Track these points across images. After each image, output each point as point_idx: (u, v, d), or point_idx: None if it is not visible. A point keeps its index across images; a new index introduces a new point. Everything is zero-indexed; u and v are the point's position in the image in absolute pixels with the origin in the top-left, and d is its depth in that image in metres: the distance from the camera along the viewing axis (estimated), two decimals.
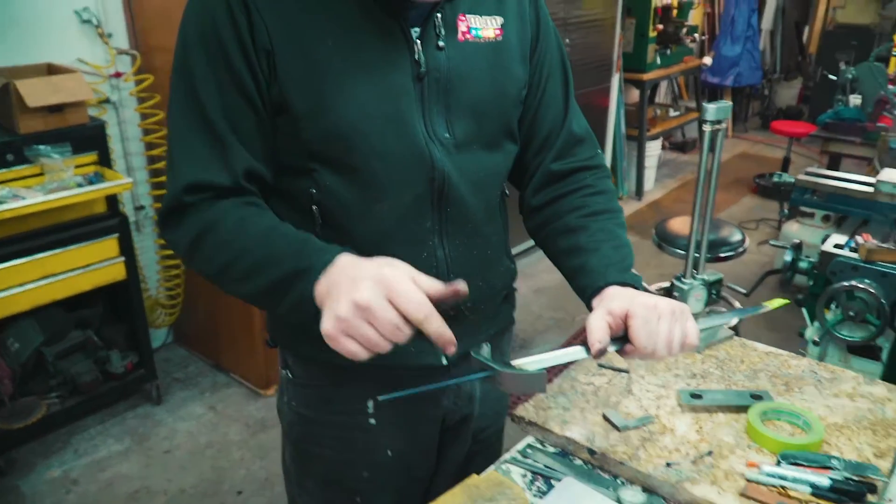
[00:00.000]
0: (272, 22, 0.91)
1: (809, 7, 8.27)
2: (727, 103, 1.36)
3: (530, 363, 0.85)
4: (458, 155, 1.03)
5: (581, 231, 1.11)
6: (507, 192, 1.21)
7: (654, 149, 5.45)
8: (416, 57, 0.98)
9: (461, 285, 0.83)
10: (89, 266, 2.46)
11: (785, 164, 5.27)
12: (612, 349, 0.96)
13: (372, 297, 0.80)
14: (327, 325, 0.82)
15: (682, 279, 1.47)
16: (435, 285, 0.83)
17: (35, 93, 2.20)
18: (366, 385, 1.11)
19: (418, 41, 0.98)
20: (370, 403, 1.15)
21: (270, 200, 1.03)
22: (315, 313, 0.85)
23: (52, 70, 2.46)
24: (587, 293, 1.06)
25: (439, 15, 0.99)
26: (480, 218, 1.11)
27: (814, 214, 3.72)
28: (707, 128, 1.35)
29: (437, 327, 0.82)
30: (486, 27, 1.04)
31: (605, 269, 1.06)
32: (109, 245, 2.51)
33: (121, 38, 2.75)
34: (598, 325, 0.95)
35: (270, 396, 2.93)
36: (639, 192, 5.37)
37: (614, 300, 0.99)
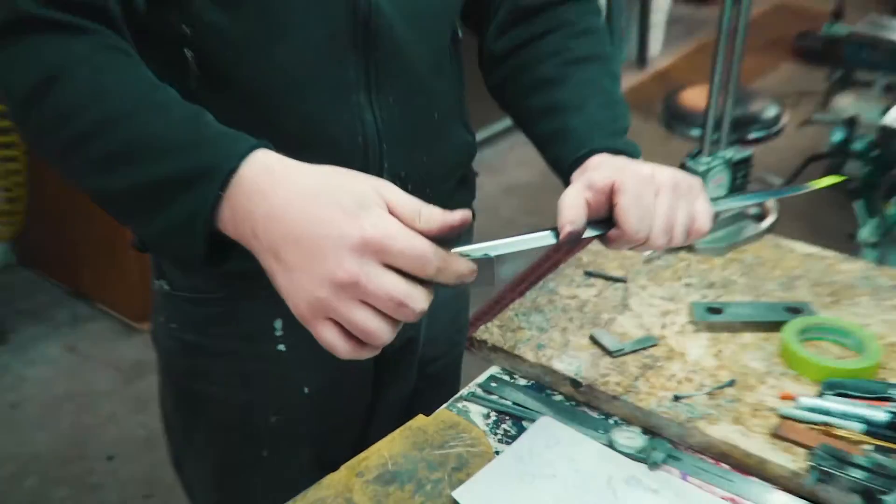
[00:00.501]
0: None
1: None
2: None
3: (476, 250, 0.81)
4: None
5: (559, 84, 1.09)
6: (460, 33, 1.17)
7: (662, 1, 5.47)
8: None
9: (465, 213, 0.75)
10: None
11: (837, 16, 5.30)
12: (590, 234, 0.90)
13: (360, 269, 0.71)
14: (300, 310, 0.75)
15: (698, 158, 1.45)
16: (432, 215, 0.75)
17: None
18: (275, 297, 1.05)
19: None
20: (279, 322, 1.13)
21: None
22: (213, 249, 0.78)
23: None
24: (566, 163, 1.03)
25: None
26: (424, 67, 1.07)
27: (873, 83, 3.74)
28: None
29: (459, 268, 0.76)
30: None
31: (590, 132, 1.04)
32: None
33: None
34: (573, 202, 0.88)
35: (148, 331, 2.92)
36: (642, 58, 5.44)
37: (598, 170, 0.94)
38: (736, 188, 1.51)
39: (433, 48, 1.09)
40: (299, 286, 0.74)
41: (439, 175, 1.15)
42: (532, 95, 1.12)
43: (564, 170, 1.04)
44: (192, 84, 0.95)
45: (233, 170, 0.75)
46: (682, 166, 1.47)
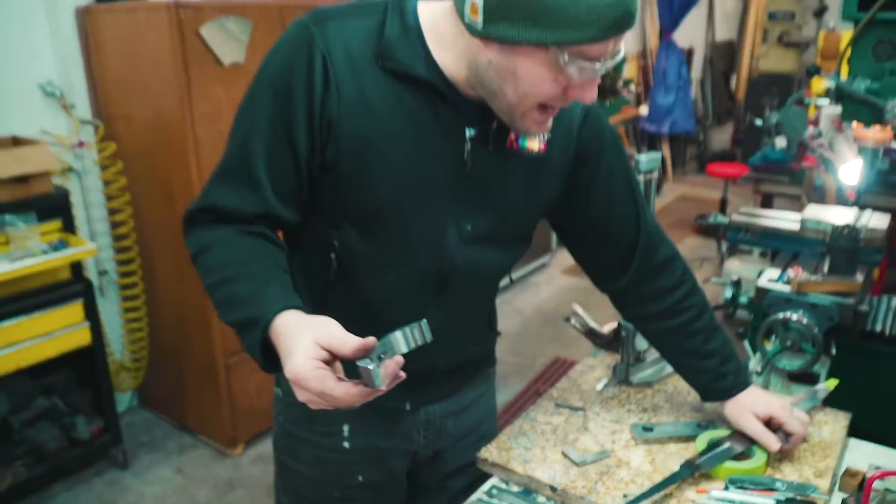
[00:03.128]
0: (347, 97, 0.96)
1: (734, 57, 8.67)
2: (657, 154, 1.44)
3: (365, 361, 0.85)
4: (473, 247, 1.08)
5: (697, 336, 1.26)
6: (512, 278, 1.34)
7: None
8: (465, 156, 1.02)
9: (367, 340, 0.85)
10: (54, 332, 2.43)
11: (723, 205, 5.45)
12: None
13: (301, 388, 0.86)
14: (288, 374, 0.86)
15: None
16: (348, 343, 0.85)
17: (1, 165, 2.19)
18: (345, 410, 1.14)
19: (469, 141, 1.02)
20: (346, 427, 1.20)
21: (298, 236, 1.10)
22: (267, 361, 0.92)
23: (16, 142, 2.46)
24: (727, 394, 1.25)
25: (496, 122, 1.01)
26: (474, 304, 1.20)
27: (752, 251, 3.86)
28: (642, 177, 1.42)
29: (365, 400, 0.86)
30: (532, 139, 1.06)
31: (737, 375, 1.25)
32: (74, 311, 2.48)
33: (83, 109, 2.76)
34: (763, 431, 1.20)
35: (237, 456, 2.90)
36: None
37: (755, 406, 1.22)
38: None
39: (486, 290, 1.21)
40: (286, 368, 0.87)
41: (468, 362, 1.27)
42: (674, 339, 1.28)
43: (720, 396, 1.26)
44: (332, 277, 1.08)
45: (269, 321, 0.90)
46: (619, 325, 1.53)
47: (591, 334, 1.64)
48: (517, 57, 0.89)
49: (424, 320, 0.84)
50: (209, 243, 1.00)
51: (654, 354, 1.55)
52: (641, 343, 1.50)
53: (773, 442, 1.18)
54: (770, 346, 2.02)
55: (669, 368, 1.54)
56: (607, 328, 1.63)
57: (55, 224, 2.44)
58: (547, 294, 4.42)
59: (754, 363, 2.11)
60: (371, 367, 0.82)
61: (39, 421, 2.54)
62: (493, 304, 1.30)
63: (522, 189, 1.09)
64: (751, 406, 1.22)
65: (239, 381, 2.81)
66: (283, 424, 1.26)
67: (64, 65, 2.68)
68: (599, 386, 1.48)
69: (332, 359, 0.85)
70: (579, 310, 1.63)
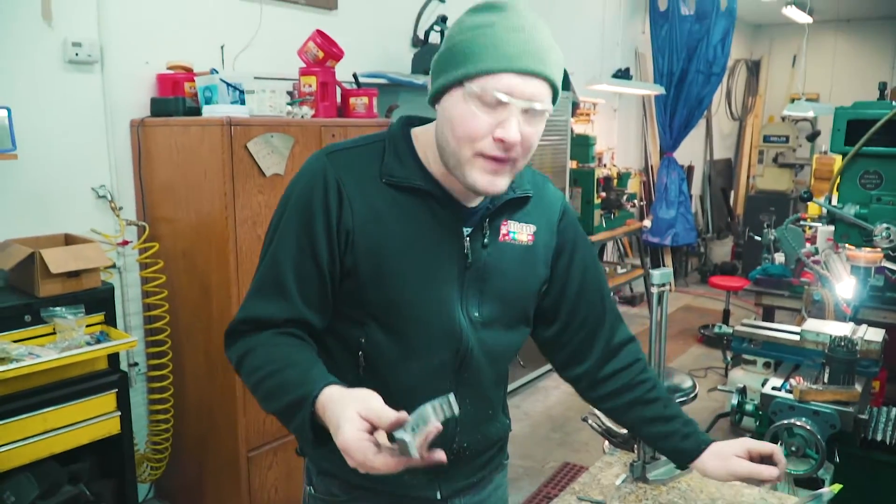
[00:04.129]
0: (359, 210, 1.14)
1: (732, 175, 9.04)
2: (669, 270, 1.59)
3: (401, 433, 0.93)
4: (483, 331, 1.23)
5: (657, 403, 1.38)
6: (521, 362, 1.43)
7: None
8: (465, 251, 1.19)
9: (400, 415, 0.95)
10: (88, 421, 2.52)
11: (725, 316, 5.59)
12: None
13: (349, 431, 0.95)
14: (338, 444, 0.96)
15: None
16: (384, 417, 0.95)
17: (58, 260, 2.37)
18: (376, 502, 1.26)
19: (468, 238, 1.20)
20: None
21: (326, 338, 1.22)
22: (315, 436, 1.02)
23: (68, 240, 2.65)
24: (692, 454, 1.35)
25: (488, 220, 1.21)
26: (490, 384, 1.30)
27: (756, 361, 3.97)
28: (654, 290, 1.58)
29: (407, 465, 0.93)
30: (521, 232, 1.26)
31: (700, 433, 1.37)
32: (108, 400, 2.59)
33: (130, 211, 2.97)
34: (757, 467, 1.30)
35: None
36: None
37: (732, 449, 1.33)
38: None
39: (498, 373, 1.33)
40: (335, 438, 0.96)
41: (486, 445, 1.35)
42: (640, 409, 1.38)
43: (690, 457, 1.35)
44: (362, 374, 1.20)
45: (315, 397, 1.01)
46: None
47: (608, 434, 1.75)
48: (447, 102, 1.09)
49: (451, 394, 0.93)
50: (250, 348, 1.14)
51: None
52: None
53: (772, 472, 1.27)
54: None
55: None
56: (623, 428, 1.75)
57: (99, 317, 2.59)
58: (555, 398, 4.50)
59: None
60: (407, 438, 0.91)
61: None
62: (505, 390, 1.41)
63: (518, 276, 1.25)
64: (729, 452, 1.32)
65: (258, 475, 2.88)
66: (316, 496, 1.33)
67: (116, 170, 2.91)
68: (618, 481, 1.58)
69: (374, 429, 0.94)
70: (597, 411, 1.74)
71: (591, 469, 1.64)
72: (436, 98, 1.12)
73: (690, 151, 7.97)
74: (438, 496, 1.28)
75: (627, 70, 6.00)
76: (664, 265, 7.39)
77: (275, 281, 1.15)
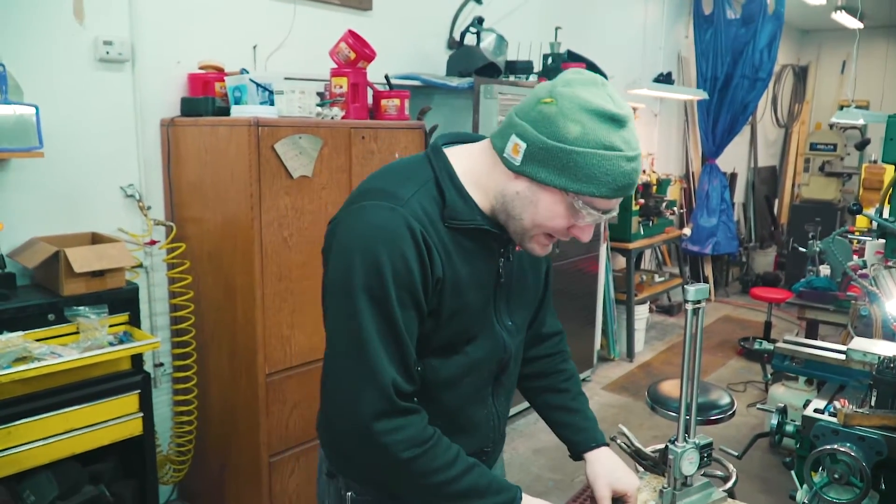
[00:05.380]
0: (441, 256, 1.18)
1: (777, 183, 8.80)
2: (705, 286, 1.49)
3: None
4: (516, 337, 1.35)
5: (566, 394, 1.52)
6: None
7: (642, 312, 5.62)
8: (500, 270, 1.28)
9: None
10: (110, 421, 2.51)
11: (767, 329, 5.42)
12: None
13: None
14: None
15: (675, 443, 1.54)
16: None
17: (82, 259, 2.36)
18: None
19: (501, 259, 1.28)
20: None
21: None
22: None
23: (95, 239, 2.64)
24: (581, 447, 1.48)
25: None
26: (514, 380, 1.45)
27: (798, 378, 3.81)
28: (689, 306, 1.48)
29: None
30: None
31: (594, 431, 1.48)
32: (131, 401, 2.57)
33: (158, 211, 2.96)
34: (607, 499, 1.41)
35: None
36: (630, 354, 5.47)
37: (617, 483, 1.43)
38: (703, 464, 1.57)
39: (519, 364, 1.44)
40: None
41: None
42: (550, 395, 1.52)
43: (578, 450, 1.48)
44: (414, 399, 1.22)
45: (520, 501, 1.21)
46: (666, 447, 1.56)
47: (638, 455, 1.65)
48: (542, 193, 1.14)
49: None
50: (426, 442, 1.18)
51: (700, 480, 1.56)
52: (688, 468, 1.52)
53: None
54: (818, 477, 2.00)
55: (716, 495, 1.55)
56: (651, 448, 1.65)
57: (123, 317, 2.57)
58: None
59: (802, 495, 2.08)
60: None
61: None
62: None
63: (532, 282, 1.39)
64: (613, 481, 1.43)
65: (280, 480, 2.84)
66: None
67: (145, 169, 2.90)
68: None
69: None
70: (626, 430, 1.65)
71: None
72: (525, 176, 1.14)
73: (734, 158, 7.78)
74: None
75: (669, 74, 5.86)
76: (704, 274, 7.21)
77: (394, 341, 1.15)
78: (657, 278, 6.09)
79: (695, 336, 1.52)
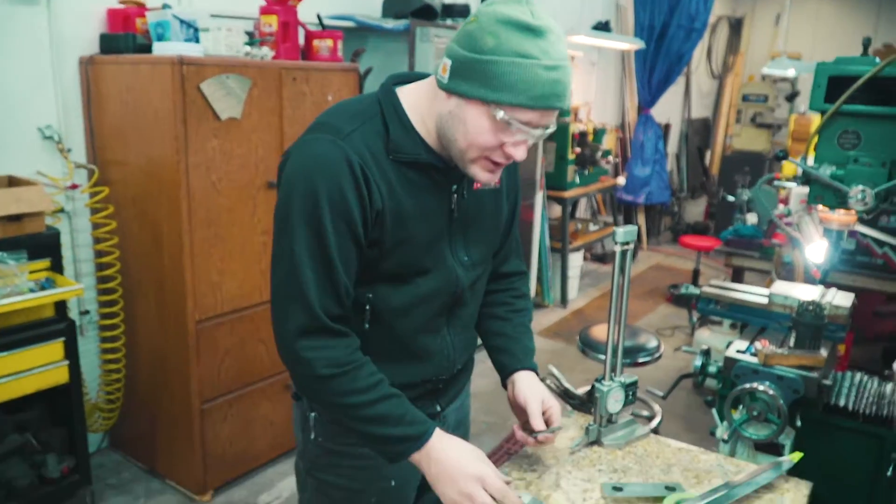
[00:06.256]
0: (382, 188, 1.20)
1: (709, 134, 8.97)
2: (633, 227, 1.51)
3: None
4: (471, 272, 1.37)
5: (507, 322, 1.53)
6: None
7: (576, 260, 5.72)
8: (452, 206, 1.30)
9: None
10: (34, 369, 2.42)
11: (695, 276, 5.58)
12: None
13: (474, 490, 1.19)
14: (446, 499, 1.20)
15: (602, 381, 1.58)
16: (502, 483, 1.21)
17: None
18: None
19: (455, 195, 1.30)
20: None
21: None
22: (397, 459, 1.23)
23: (12, 182, 2.50)
24: (507, 370, 1.48)
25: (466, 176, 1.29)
26: (474, 313, 1.48)
27: (722, 322, 3.95)
28: (617, 248, 1.50)
29: (512, 500, 1.20)
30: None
31: (524, 357, 1.49)
32: (55, 349, 2.48)
33: (79, 153, 2.82)
34: (538, 414, 1.39)
35: (206, 502, 2.87)
36: (563, 301, 5.57)
37: (541, 395, 1.42)
38: (628, 402, 1.61)
39: (477, 304, 1.47)
40: (447, 493, 1.21)
41: (470, 360, 1.54)
42: (491, 322, 1.53)
43: (505, 374, 1.49)
44: (366, 324, 1.29)
45: (427, 439, 1.22)
46: (592, 387, 1.59)
47: (566, 395, 1.69)
48: (468, 109, 1.15)
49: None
50: (348, 365, 1.22)
51: (625, 417, 1.61)
52: (614, 406, 1.56)
53: (539, 423, 1.38)
54: (737, 415, 2.08)
55: (640, 431, 1.59)
56: (581, 390, 1.69)
57: (44, 263, 2.46)
58: None
59: (721, 431, 2.17)
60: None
61: (11, 457, 2.50)
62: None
63: (491, 219, 1.39)
64: (532, 391, 1.42)
65: (212, 427, 2.80)
66: (321, 444, 1.40)
67: (64, 110, 2.74)
68: (573, 445, 1.52)
69: None
70: (555, 371, 1.68)
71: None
72: (453, 92, 1.16)
73: (668, 109, 7.88)
74: (438, 409, 1.45)
75: (608, 23, 5.84)
76: (637, 223, 7.35)
77: (327, 268, 1.19)
78: (592, 227, 6.18)
79: (622, 280, 1.54)
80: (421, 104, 1.24)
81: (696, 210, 8.30)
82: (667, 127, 7.84)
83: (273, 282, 1.24)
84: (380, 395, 1.22)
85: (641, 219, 7.41)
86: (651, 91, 6.90)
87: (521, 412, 1.43)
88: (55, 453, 2.61)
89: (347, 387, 1.21)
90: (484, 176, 1.22)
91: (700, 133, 8.84)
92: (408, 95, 1.26)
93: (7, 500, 2.45)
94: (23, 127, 2.65)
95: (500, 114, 1.12)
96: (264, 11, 2.86)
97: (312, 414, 1.39)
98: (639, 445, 1.55)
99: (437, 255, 1.30)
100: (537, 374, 1.48)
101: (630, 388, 1.59)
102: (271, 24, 2.83)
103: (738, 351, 2.21)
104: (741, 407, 2.10)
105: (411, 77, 1.31)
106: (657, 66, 6.75)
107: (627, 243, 1.50)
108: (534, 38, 1.10)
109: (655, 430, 1.72)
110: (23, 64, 2.61)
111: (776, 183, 2.52)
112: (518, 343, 1.50)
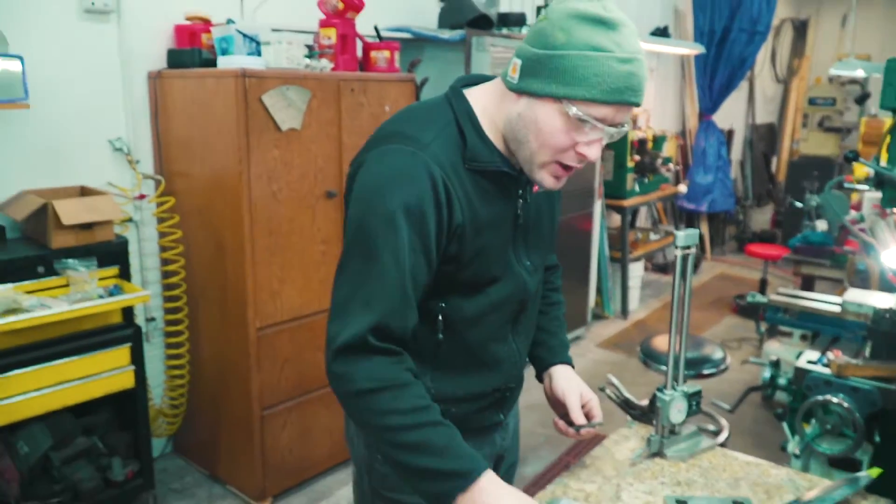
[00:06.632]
0: (462, 201, 1.16)
1: (775, 139, 8.71)
2: (695, 231, 1.46)
3: None
4: (534, 277, 1.34)
5: (543, 316, 1.50)
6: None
7: (636, 270, 5.60)
8: (518, 212, 1.27)
9: None
10: (101, 374, 2.50)
11: (762, 286, 5.40)
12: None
13: None
14: None
15: (664, 391, 1.53)
16: None
17: (70, 212, 2.32)
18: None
19: (520, 200, 1.26)
20: None
21: None
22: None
23: (84, 192, 2.59)
24: (545, 364, 1.48)
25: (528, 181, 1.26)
26: (533, 321, 1.44)
27: (792, 333, 3.80)
28: (678, 252, 1.45)
29: None
30: None
31: (561, 350, 1.48)
32: (122, 354, 2.56)
33: (147, 164, 2.91)
34: (578, 409, 1.40)
35: None
36: (624, 312, 5.47)
37: (570, 381, 1.43)
38: (691, 412, 1.56)
39: (538, 305, 1.45)
40: None
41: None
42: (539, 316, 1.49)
43: (542, 367, 1.48)
44: (440, 335, 1.25)
45: (478, 477, 1.07)
46: (654, 396, 1.54)
47: (626, 405, 1.64)
48: (539, 107, 1.11)
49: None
50: (392, 383, 1.11)
51: (689, 429, 1.55)
52: (677, 416, 1.51)
53: (579, 418, 1.38)
54: (810, 429, 1.99)
55: (705, 443, 1.54)
56: (643, 401, 1.64)
57: (113, 270, 2.54)
58: (580, 367, 4.40)
59: (793, 446, 2.08)
60: None
61: (78, 459, 2.58)
62: None
63: (548, 221, 1.37)
64: (583, 391, 1.42)
65: (272, 435, 2.84)
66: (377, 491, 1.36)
67: (133, 122, 2.84)
68: (633, 456, 1.48)
69: None
70: (615, 380, 1.64)
71: (605, 442, 1.54)
72: (523, 92, 1.12)
73: (731, 114, 7.68)
74: (501, 417, 1.43)
75: (666, 28, 5.75)
76: (700, 233, 7.17)
77: (398, 285, 1.12)
78: (652, 236, 6.06)
79: (683, 287, 1.50)
80: (490, 107, 1.20)
81: (762, 218, 8.05)
82: (730, 133, 7.64)
83: (336, 294, 1.16)
84: (425, 419, 1.09)
85: (704, 227, 7.23)
86: (712, 97, 6.75)
87: (558, 405, 1.43)
88: (120, 457, 2.68)
89: (387, 405, 1.09)
90: (550, 181, 1.18)
91: (765, 139, 8.59)
92: (477, 99, 1.22)
93: (73, 502, 2.52)
94: (94, 139, 2.75)
95: (573, 110, 1.07)
96: (323, 24, 2.91)
97: (379, 455, 1.32)
98: (704, 458, 1.49)
99: (505, 263, 1.26)
100: (573, 368, 1.48)
101: (693, 398, 1.54)
102: (330, 36, 2.87)
103: (809, 361, 2.12)
104: (813, 420, 2.01)
105: (477, 80, 1.27)
106: (718, 71, 6.59)
107: (689, 247, 1.45)
108: (606, 30, 1.06)
109: (723, 445, 1.65)
110: (94, 78, 2.72)
111: (847, 185, 2.41)
112: (555, 337, 1.50)
